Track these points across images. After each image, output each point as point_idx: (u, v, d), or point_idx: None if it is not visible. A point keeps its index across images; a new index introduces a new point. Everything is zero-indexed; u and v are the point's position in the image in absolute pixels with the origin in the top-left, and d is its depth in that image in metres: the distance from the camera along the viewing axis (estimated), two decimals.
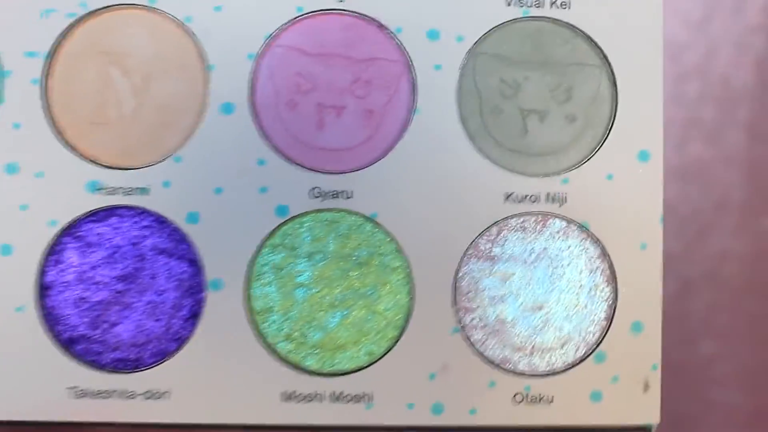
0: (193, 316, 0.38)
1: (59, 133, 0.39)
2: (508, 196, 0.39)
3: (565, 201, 0.39)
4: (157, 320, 0.38)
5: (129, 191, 0.39)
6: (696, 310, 0.51)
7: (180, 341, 0.38)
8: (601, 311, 0.39)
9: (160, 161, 0.39)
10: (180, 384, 0.38)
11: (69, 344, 0.38)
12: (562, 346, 0.39)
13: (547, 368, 0.39)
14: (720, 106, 0.45)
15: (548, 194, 0.39)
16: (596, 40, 0.39)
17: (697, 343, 0.52)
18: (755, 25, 0.46)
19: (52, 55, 0.39)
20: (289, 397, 0.38)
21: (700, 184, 0.48)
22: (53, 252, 0.38)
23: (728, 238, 0.44)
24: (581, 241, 0.39)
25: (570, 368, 0.39)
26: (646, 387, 0.39)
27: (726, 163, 0.45)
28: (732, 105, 0.46)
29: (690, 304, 0.51)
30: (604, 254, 0.39)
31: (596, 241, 0.39)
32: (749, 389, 0.44)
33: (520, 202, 0.39)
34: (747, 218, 0.46)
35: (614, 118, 0.40)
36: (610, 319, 0.39)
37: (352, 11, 0.39)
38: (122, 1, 0.40)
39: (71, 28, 0.40)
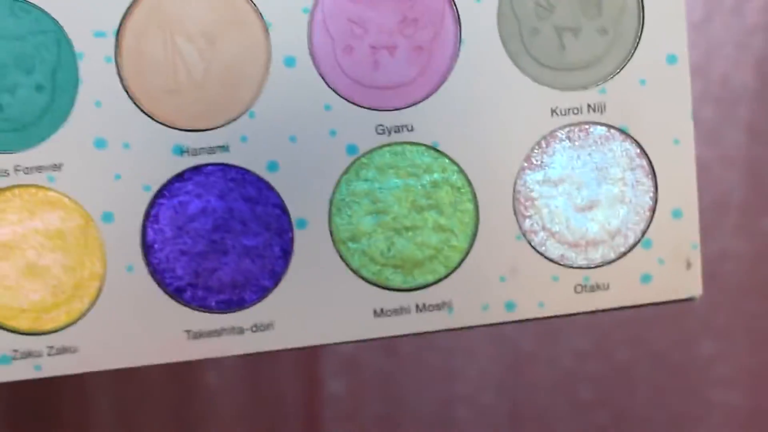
0: (285, 254, 0.43)
1: (138, 105, 0.42)
2: (553, 111, 0.44)
3: (605, 109, 0.44)
4: (252, 261, 0.43)
5: (211, 150, 0.42)
6: (696, 310, 0.52)
7: (276, 277, 0.43)
8: (644, 203, 0.44)
9: (235, 118, 0.42)
10: (281, 315, 0.43)
11: (178, 293, 0.43)
12: (612, 239, 0.44)
13: (601, 259, 0.44)
14: (720, 106, 0.45)
15: (589, 105, 0.44)
16: None
17: (697, 343, 0.52)
18: (755, 25, 0.46)
19: (118, 31, 0.42)
20: (379, 313, 0.44)
21: (700, 184, 0.47)
22: (150, 214, 0.42)
23: (728, 238, 0.44)
24: (621, 142, 0.44)
25: (621, 257, 0.44)
26: (689, 265, 0.44)
27: (726, 163, 0.45)
28: (732, 105, 0.46)
29: (690, 304, 0.51)
30: (643, 152, 0.44)
31: (635, 142, 0.44)
32: (749, 389, 0.45)
33: (564, 115, 0.44)
34: (747, 218, 0.46)
35: (642, 28, 0.43)
36: (653, 209, 0.44)
37: None
38: None
39: (134, 3, 0.42)
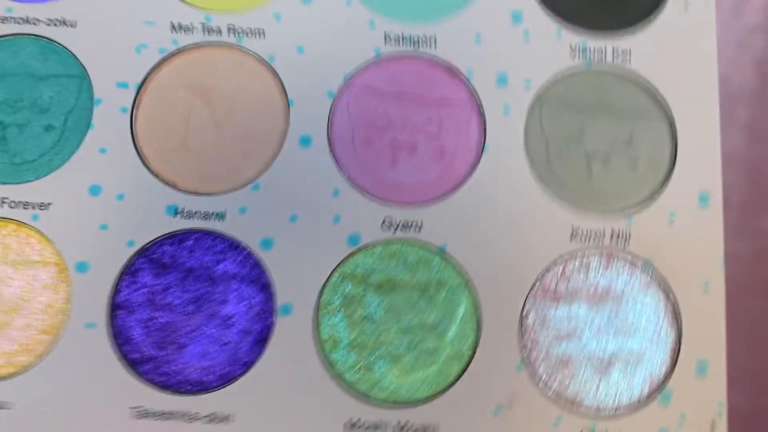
0: (261, 341, 0.38)
1: (143, 159, 0.39)
2: (573, 234, 0.39)
3: (629, 239, 0.39)
4: (224, 344, 0.38)
5: (206, 216, 0.38)
6: None
7: (246, 365, 0.38)
8: (666, 351, 0.38)
9: (238, 188, 0.39)
10: (244, 408, 0.37)
11: (136, 364, 0.37)
12: (627, 385, 0.38)
13: (613, 407, 0.38)
14: (720, 106, 0.44)
15: (612, 231, 0.39)
16: (657, 89, 0.40)
17: None
18: (755, 25, 0.45)
19: (141, 86, 0.39)
20: (353, 425, 0.37)
21: None
22: (128, 272, 0.38)
23: (728, 238, 0.42)
24: (645, 279, 0.39)
25: (636, 410, 0.38)
26: (713, 426, 0.37)
27: (726, 163, 0.44)
28: (732, 105, 0.45)
29: None
30: (668, 294, 0.38)
31: (660, 280, 0.39)
32: (749, 389, 0.43)
33: (585, 239, 0.39)
34: (747, 218, 0.45)
35: (675, 162, 0.39)
36: (675, 360, 0.38)
37: (427, 54, 0.40)
38: (211, 39, 0.40)
39: (162, 62, 0.40)
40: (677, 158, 0.38)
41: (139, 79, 0.40)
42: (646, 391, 0.36)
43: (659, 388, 0.36)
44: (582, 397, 0.36)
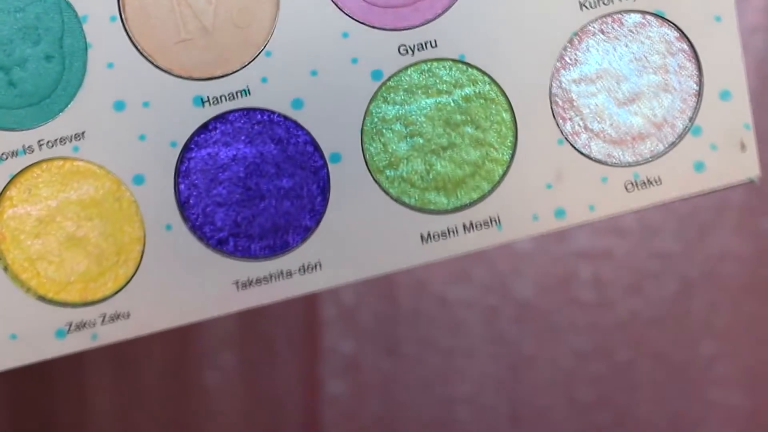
0: (322, 191, 0.41)
1: (150, 61, 0.39)
2: (582, 5, 0.40)
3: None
4: (291, 203, 0.41)
5: (232, 96, 0.40)
6: (696, 310, 0.51)
7: (317, 216, 0.41)
8: (689, 88, 0.41)
9: (252, 60, 0.40)
10: (328, 253, 0.41)
11: (220, 245, 0.41)
12: (659, 130, 0.41)
13: (651, 153, 0.41)
14: None
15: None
16: None
17: (697, 343, 0.51)
18: (755, 25, 0.45)
19: None
20: (427, 238, 0.41)
21: None
22: (180, 170, 0.40)
23: (728, 238, 0.43)
24: (659, 28, 0.40)
25: (671, 148, 0.41)
26: (743, 147, 0.41)
27: None
28: None
29: (690, 304, 0.51)
30: (683, 35, 0.40)
31: (673, 25, 0.40)
32: (749, 389, 0.44)
33: (594, 7, 0.40)
34: (747, 218, 0.45)
35: None
36: (699, 94, 0.41)
37: None
38: None
39: None
40: None
41: None
42: (679, 128, 0.39)
43: (689, 122, 0.39)
44: (621, 153, 0.40)
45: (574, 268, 0.59)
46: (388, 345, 0.62)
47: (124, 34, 0.38)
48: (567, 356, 0.61)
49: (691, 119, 0.40)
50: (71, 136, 0.39)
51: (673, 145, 0.40)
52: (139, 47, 0.39)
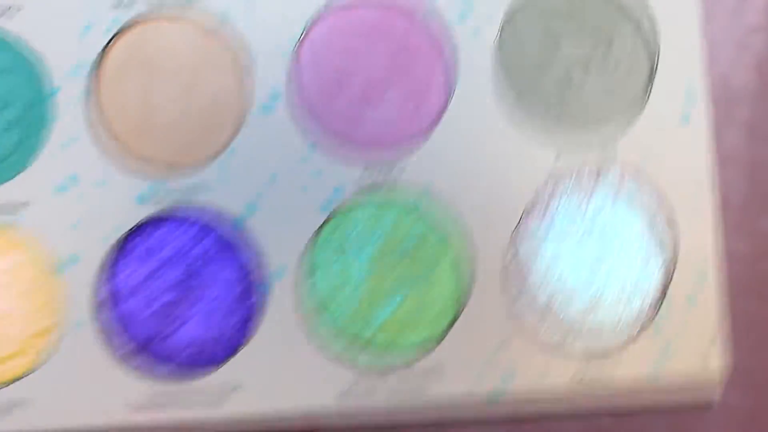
0: (255, 311, 0.37)
1: (110, 145, 0.38)
2: (557, 157, 0.38)
3: (615, 158, 0.39)
4: (210, 327, 0.37)
5: (182, 194, 0.39)
6: None
7: (234, 347, 0.37)
8: (656, 283, 0.37)
9: (210, 161, 0.38)
10: (246, 379, 0.37)
11: (126, 357, 0.37)
12: (618, 322, 0.37)
13: (605, 345, 0.37)
14: (720, 106, 0.44)
15: (598, 149, 0.38)
16: None
17: None
18: (755, 25, 0.45)
19: (94, 69, 0.39)
20: (346, 392, 0.37)
21: None
22: (108, 264, 0.37)
23: (728, 238, 0.42)
24: (636, 195, 0.37)
25: (629, 342, 0.37)
26: (708, 352, 0.37)
27: (726, 163, 0.44)
28: (732, 105, 0.45)
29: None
30: (659, 210, 0.37)
31: (650, 197, 0.37)
32: (749, 389, 0.44)
33: (568, 163, 0.38)
34: (747, 218, 0.45)
35: (656, 66, 0.39)
36: (664, 290, 0.37)
37: None
38: (159, 9, 0.38)
39: (111, 41, 0.39)
40: (658, 62, 0.38)
41: (95, 61, 0.39)
42: (636, 325, 0.35)
43: (650, 321, 0.35)
44: (573, 336, 0.35)
45: None
46: None
47: (91, 113, 0.39)
48: None
49: (655, 312, 0.37)
50: (16, 205, 0.39)
51: (630, 339, 0.37)
52: (102, 129, 0.39)
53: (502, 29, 0.38)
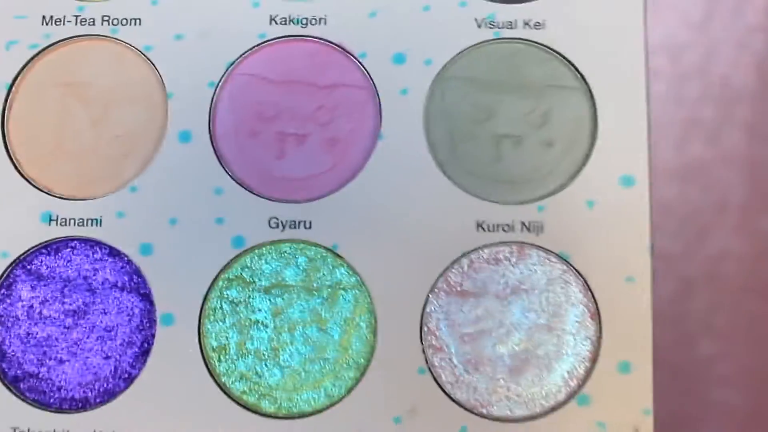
0: (144, 353, 0.34)
1: (15, 164, 0.36)
2: (479, 225, 0.35)
3: (542, 230, 0.34)
4: (106, 358, 0.34)
5: (82, 222, 0.36)
6: (696, 310, 0.51)
7: (129, 380, 0.34)
8: (584, 350, 0.34)
9: (115, 191, 0.35)
10: (127, 425, 0.34)
11: (14, 382, 0.35)
12: (541, 389, 0.34)
13: (526, 413, 0.33)
14: (720, 106, 0.45)
15: (523, 223, 0.34)
16: (573, 61, 0.35)
17: (697, 343, 0.51)
18: (755, 25, 0.45)
19: (12, 86, 0.37)
20: None
21: (700, 184, 0.47)
22: (3, 285, 0.35)
23: (728, 238, 0.44)
24: (561, 273, 0.34)
25: (550, 413, 0.33)
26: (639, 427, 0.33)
27: (726, 163, 0.45)
28: (732, 105, 0.45)
29: (690, 304, 0.50)
30: (587, 288, 0.34)
31: (578, 274, 0.34)
32: (749, 389, 0.44)
33: (492, 231, 0.35)
34: (747, 218, 0.45)
35: (594, 143, 0.35)
36: (594, 359, 0.34)
37: (316, 37, 0.35)
38: (84, 32, 0.36)
39: (33, 59, 0.38)
40: (597, 140, 0.33)
41: (9, 79, 0.38)
42: (563, 393, 0.32)
43: (577, 389, 0.32)
44: (492, 402, 0.32)
45: None
46: None
47: (0, 130, 0.35)
48: None
49: (580, 386, 0.33)
50: None
51: (552, 409, 0.33)
52: (8, 148, 0.38)
53: (430, 94, 0.36)
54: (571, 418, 0.33)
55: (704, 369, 0.49)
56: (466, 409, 0.34)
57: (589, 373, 0.34)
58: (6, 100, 0.37)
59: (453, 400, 0.34)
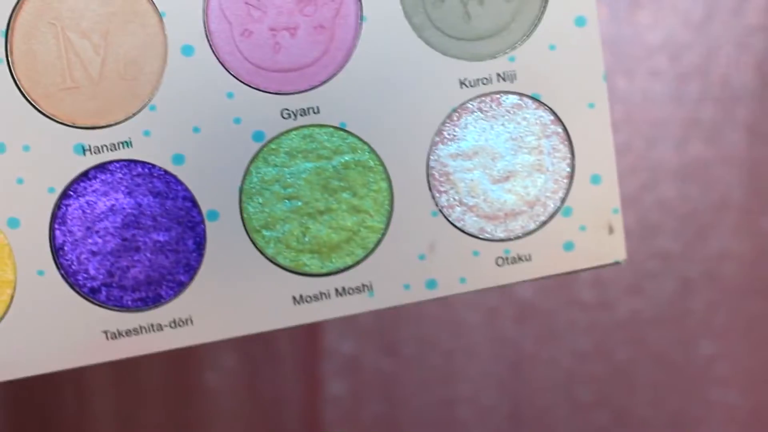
0: (198, 247, 0.42)
1: (35, 105, 0.41)
2: (462, 83, 0.43)
3: (515, 77, 0.43)
4: (166, 257, 0.42)
5: (114, 147, 0.41)
6: (696, 310, 0.52)
7: (191, 271, 0.43)
8: (561, 170, 0.43)
9: (136, 113, 0.41)
10: (200, 309, 0.43)
11: (92, 294, 0.42)
12: (531, 208, 0.44)
13: (522, 230, 0.44)
14: (720, 106, 0.46)
15: (498, 74, 0.43)
16: None
17: (697, 343, 0.53)
18: (755, 25, 0.46)
19: (7, 32, 0.40)
20: (299, 300, 0.43)
21: (700, 184, 0.48)
22: (57, 216, 0.42)
23: (728, 238, 0.45)
24: (534, 110, 0.43)
25: (542, 227, 0.44)
26: (611, 230, 0.44)
27: (726, 163, 0.46)
28: (732, 105, 0.46)
29: (690, 304, 0.52)
30: (557, 119, 0.43)
31: (548, 109, 0.43)
32: (749, 389, 0.45)
33: (473, 86, 0.43)
34: (747, 218, 0.46)
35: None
36: (570, 176, 0.44)
37: None
38: None
39: (20, 1, 0.40)
40: None
41: (3, 26, 0.41)
42: (550, 209, 0.42)
43: (560, 203, 0.42)
44: (494, 228, 0.42)
45: None
46: (388, 345, 0.63)
47: (10, 77, 0.39)
48: (567, 356, 0.62)
49: (563, 200, 0.42)
50: None
51: (543, 224, 0.42)
52: (24, 91, 0.40)
53: None
54: (559, 228, 0.44)
55: (704, 369, 0.51)
56: (475, 237, 0.44)
57: (568, 188, 0.44)
58: (6, 47, 0.41)
59: (463, 232, 0.44)
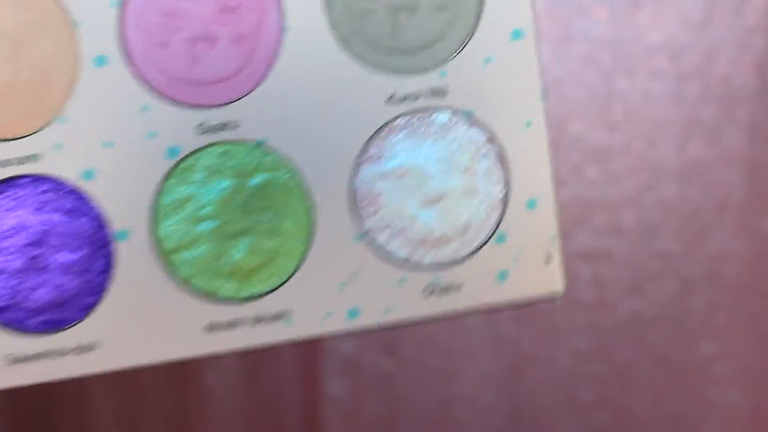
0: (107, 268, 0.40)
1: None
2: (389, 98, 0.40)
3: (447, 93, 0.40)
4: (73, 278, 0.40)
5: (22, 160, 0.39)
6: (696, 310, 0.52)
7: (99, 294, 0.40)
8: (495, 194, 0.41)
9: (46, 125, 0.39)
10: (107, 334, 0.40)
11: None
12: (463, 234, 0.41)
13: (452, 258, 0.41)
14: (720, 106, 0.46)
15: (429, 89, 0.40)
16: None
17: (697, 343, 0.52)
18: (755, 25, 0.46)
19: None
20: (212, 327, 0.40)
21: (700, 184, 0.48)
22: None
23: (728, 238, 0.44)
24: (467, 128, 0.40)
25: (474, 254, 0.41)
26: (549, 259, 0.41)
27: (726, 163, 0.46)
28: (732, 105, 0.46)
29: (690, 304, 0.52)
30: (492, 138, 0.40)
31: (482, 127, 0.40)
32: (749, 389, 0.45)
33: (402, 102, 0.40)
34: (747, 218, 0.46)
35: (483, 2, 0.40)
36: (505, 201, 0.41)
37: None
38: None
39: None
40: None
41: None
42: (482, 234, 0.39)
43: (494, 228, 0.39)
44: (422, 254, 0.39)
45: (574, 268, 0.60)
46: (388, 345, 0.63)
47: None
48: (567, 356, 0.62)
49: (496, 226, 0.40)
50: None
51: (475, 251, 0.40)
52: None
53: None
54: (492, 256, 0.41)
55: (704, 369, 0.51)
56: (401, 264, 0.41)
57: (502, 213, 0.41)
58: None
59: (389, 259, 0.41)
